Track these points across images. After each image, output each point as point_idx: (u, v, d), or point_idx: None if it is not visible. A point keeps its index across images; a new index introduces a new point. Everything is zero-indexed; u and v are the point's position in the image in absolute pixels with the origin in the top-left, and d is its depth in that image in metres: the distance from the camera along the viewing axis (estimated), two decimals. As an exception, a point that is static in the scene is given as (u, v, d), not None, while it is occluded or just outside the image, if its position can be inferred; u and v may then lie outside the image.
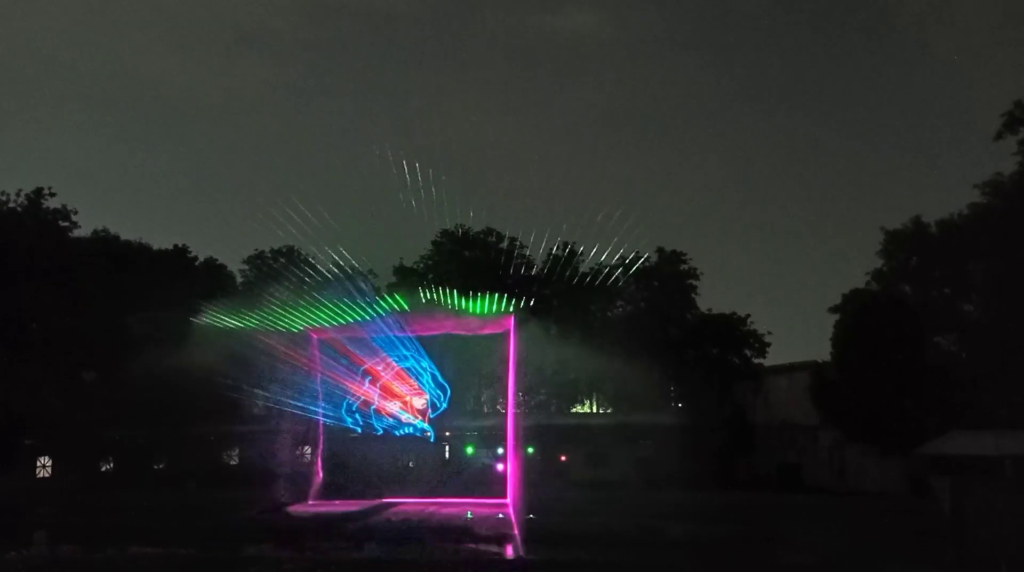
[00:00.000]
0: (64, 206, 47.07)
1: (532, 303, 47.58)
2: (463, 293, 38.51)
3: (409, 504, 38.84)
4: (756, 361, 57.66)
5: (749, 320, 57.80)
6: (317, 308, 39.64)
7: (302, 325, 41.51)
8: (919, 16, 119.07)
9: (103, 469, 46.64)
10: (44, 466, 44.20)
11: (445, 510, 35.76)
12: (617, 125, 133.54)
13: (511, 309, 39.18)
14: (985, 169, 52.64)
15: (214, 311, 39.66)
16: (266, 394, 44.58)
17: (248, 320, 40.00)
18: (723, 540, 26.20)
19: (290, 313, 40.55)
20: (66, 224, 47.29)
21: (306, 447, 44.95)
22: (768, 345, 57.64)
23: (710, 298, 62.73)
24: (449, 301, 38.84)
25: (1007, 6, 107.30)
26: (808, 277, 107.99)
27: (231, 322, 39.86)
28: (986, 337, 43.45)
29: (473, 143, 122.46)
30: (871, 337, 43.73)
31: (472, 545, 23.51)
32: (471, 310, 39.12)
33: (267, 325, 40.50)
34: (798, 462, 51.19)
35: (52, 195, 46.69)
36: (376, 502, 40.18)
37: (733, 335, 57.20)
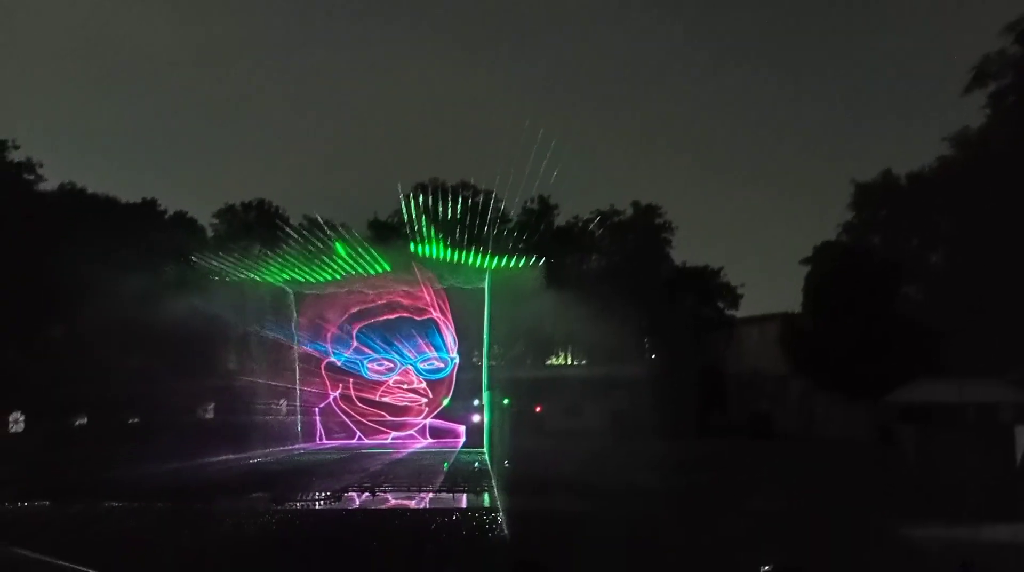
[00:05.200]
0: (29, 159, 45.90)
1: (507, 257, 47.49)
2: (438, 247, 38.39)
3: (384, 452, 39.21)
4: (729, 313, 58.42)
5: (722, 273, 58.47)
6: (294, 262, 39.32)
7: (278, 279, 41.23)
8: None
9: (76, 424, 46.23)
10: (16, 421, 43.76)
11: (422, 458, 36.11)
12: (592, 79, 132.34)
13: (486, 262, 39.17)
14: (955, 123, 53.03)
15: (184, 263, 39.21)
16: (241, 346, 44.48)
17: (221, 273, 39.63)
18: (695, 486, 26.72)
19: (265, 266, 40.23)
20: (31, 177, 46.12)
21: (283, 400, 45.06)
22: (741, 297, 58.53)
23: (684, 251, 63.28)
24: (424, 255, 38.74)
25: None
26: (780, 230, 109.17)
27: (203, 275, 39.45)
28: (951, 287, 44.17)
29: (447, 96, 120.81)
30: (841, 288, 44.34)
31: (448, 494, 23.70)
32: (447, 263, 39.08)
33: (241, 278, 40.17)
34: (769, 411, 52.15)
35: (16, 148, 45.49)
36: (351, 443, 41.01)
37: (707, 287, 57.83)
